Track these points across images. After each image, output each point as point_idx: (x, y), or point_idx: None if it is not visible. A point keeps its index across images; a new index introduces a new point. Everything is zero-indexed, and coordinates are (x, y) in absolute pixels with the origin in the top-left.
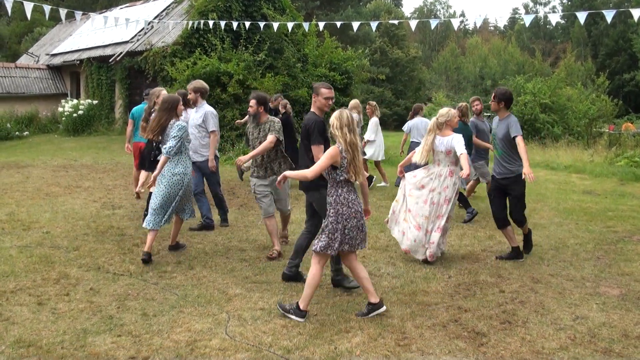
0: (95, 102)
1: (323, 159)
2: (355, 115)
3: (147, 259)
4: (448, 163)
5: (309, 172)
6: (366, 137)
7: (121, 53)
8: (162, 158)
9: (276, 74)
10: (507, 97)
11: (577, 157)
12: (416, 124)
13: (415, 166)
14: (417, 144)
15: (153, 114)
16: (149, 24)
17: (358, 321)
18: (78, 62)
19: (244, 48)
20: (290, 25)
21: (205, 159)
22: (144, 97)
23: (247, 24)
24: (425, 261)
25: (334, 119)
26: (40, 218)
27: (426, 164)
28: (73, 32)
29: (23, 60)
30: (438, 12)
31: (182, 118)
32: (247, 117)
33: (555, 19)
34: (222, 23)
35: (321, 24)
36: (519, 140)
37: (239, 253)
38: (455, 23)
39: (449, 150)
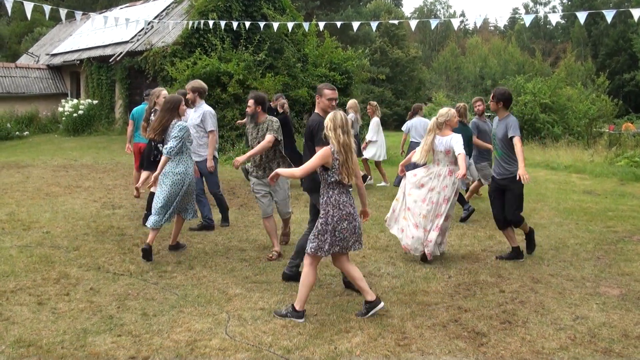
0: (95, 102)
1: (314, 158)
2: (352, 115)
3: (148, 249)
4: (447, 163)
5: (297, 171)
6: (368, 137)
7: (121, 53)
8: (162, 158)
9: (276, 74)
10: (506, 97)
11: (577, 157)
12: (415, 124)
13: (415, 166)
14: (417, 143)
15: (153, 114)
16: (149, 24)
17: (358, 321)
18: (78, 62)
19: (244, 48)
20: (290, 25)
21: (203, 159)
22: (144, 98)
23: (247, 24)
24: (424, 259)
25: (328, 120)
26: (41, 218)
27: (425, 163)
28: (73, 32)
29: (23, 60)
30: (438, 12)
31: (184, 118)
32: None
33: (555, 19)
34: (222, 23)
35: (321, 24)
36: (516, 141)
37: (239, 253)
38: (455, 23)
39: (448, 150)
